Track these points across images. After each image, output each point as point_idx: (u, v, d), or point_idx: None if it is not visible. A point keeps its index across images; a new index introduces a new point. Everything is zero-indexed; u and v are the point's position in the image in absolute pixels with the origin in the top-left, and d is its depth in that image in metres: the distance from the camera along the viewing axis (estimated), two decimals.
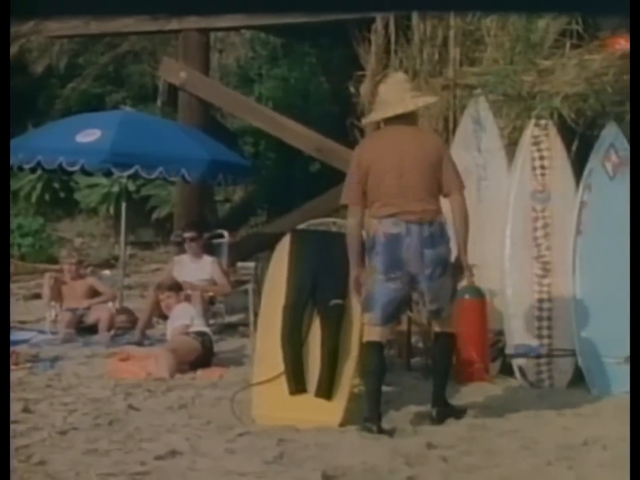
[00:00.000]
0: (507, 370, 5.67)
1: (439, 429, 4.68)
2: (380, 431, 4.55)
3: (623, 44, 5.62)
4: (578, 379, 5.55)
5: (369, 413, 4.64)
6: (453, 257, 4.71)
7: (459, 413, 4.83)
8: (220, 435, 4.55)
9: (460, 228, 4.66)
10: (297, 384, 4.81)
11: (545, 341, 5.62)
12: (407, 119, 4.70)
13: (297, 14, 4.88)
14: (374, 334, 4.70)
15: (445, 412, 4.77)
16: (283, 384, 4.81)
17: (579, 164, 5.67)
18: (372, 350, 4.70)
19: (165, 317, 6.84)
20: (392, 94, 4.73)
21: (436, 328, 4.87)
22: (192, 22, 8.64)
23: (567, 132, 5.68)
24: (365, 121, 5.30)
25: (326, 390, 4.77)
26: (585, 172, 5.61)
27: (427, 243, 4.60)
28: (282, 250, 5.14)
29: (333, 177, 8.13)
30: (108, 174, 8.27)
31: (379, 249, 4.62)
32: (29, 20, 6.64)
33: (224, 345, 6.96)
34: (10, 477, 2.78)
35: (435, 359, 4.99)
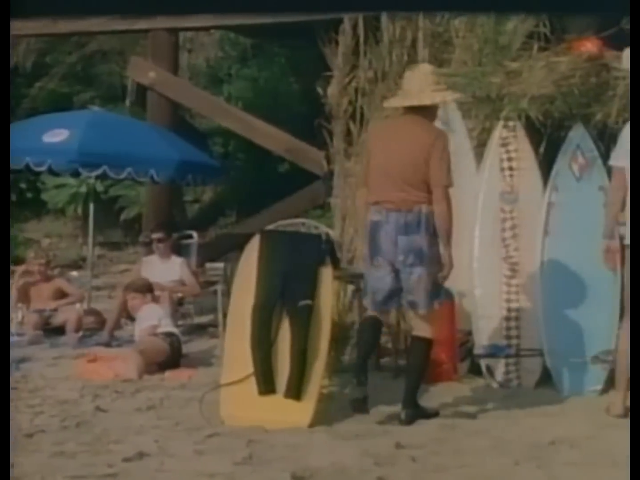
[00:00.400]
0: (475, 370, 5.70)
1: (408, 429, 4.69)
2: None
3: (589, 46, 5.67)
4: (546, 378, 5.58)
5: (356, 390, 4.75)
6: (432, 251, 4.71)
7: (429, 415, 4.85)
8: (189, 437, 4.53)
9: (440, 224, 4.70)
10: (267, 385, 4.80)
11: (514, 341, 5.65)
12: (425, 111, 4.75)
13: (266, 15, 4.88)
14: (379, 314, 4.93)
15: (414, 414, 4.79)
16: (252, 384, 4.81)
17: (546, 165, 5.71)
18: (366, 324, 4.98)
19: (134, 319, 6.81)
20: (414, 84, 4.78)
21: (414, 330, 4.89)
22: (161, 22, 8.61)
23: (534, 134, 5.71)
24: (385, 105, 5.32)
25: (295, 391, 4.77)
26: (553, 174, 5.65)
27: (402, 230, 4.68)
28: (251, 251, 5.13)
29: (302, 177, 8.15)
30: (76, 174, 8.21)
31: (365, 235, 4.82)
32: (29, 20, 6.60)
33: (193, 346, 6.93)
34: (10, 477, 2.76)
35: (409, 361, 5.00)
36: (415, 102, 4.73)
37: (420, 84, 4.77)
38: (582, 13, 3.53)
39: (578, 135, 5.59)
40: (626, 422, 4.77)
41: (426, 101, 4.74)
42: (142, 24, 8.91)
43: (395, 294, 4.81)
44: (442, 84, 4.94)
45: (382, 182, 4.74)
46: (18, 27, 9.26)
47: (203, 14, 6.41)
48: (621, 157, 4.87)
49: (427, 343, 4.84)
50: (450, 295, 5.18)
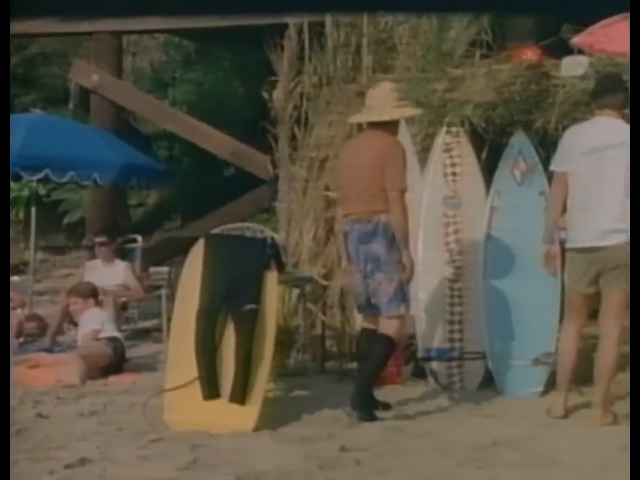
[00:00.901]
0: (419, 373, 5.75)
1: (353, 432, 4.72)
2: (382, 406, 5.01)
3: (530, 55, 5.76)
4: (488, 381, 5.65)
5: (359, 396, 4.94)
6: (391, 257, 4.88)
7: (383, 407, 5.00)
8: (132, 442, 4.50)
9: (396, 228, 4.92)
10: (211, 389, 4.79)
11: (457, 344, 5.72)
12: (387, 125, 5.03)
13: (211, 18, 4.87)
14: (360, 321, 5.24)
15: (365, 408, 4.89)
16: (197, 389, 4.79)
17: (488, 171, 5.79)
18: (360, 337, 5.23)
19: (77, 324, 6.73)
20: (376, 100, 5.07)
21: (379, 328, 5.01)
22: (105, 25, 8.53)
23: (477, 140, 5.78)
24: (350, 121, 5.59)
25: (240, 395, 4.77)
26: (495, 179, 5.73)
27: (362, 239, 4.96)
28: (196, 255, 5.11)
29: (248, 181, 8.14)
30: (17, 177, 8.08)
31: (340, 245, 5.21)
32: (29, 20, 6.49)
33: (137, 351, 6.88)
34: (10, 477, 2.72)
35: (369, 354, 5.08)
36: (375, 118, 5.02)
37: (381, 100, 5.05)
38: (582, 12, 3.59)
39: (519, 141, 5.68)
40: (566, 423, 4.89)
41: (386, 117, 5.00)
42: (85, 27, 8.83)
43: (370, 299, 5.05)
44: (403, 101, 5.19)
45: (348, 195, 5.07)
46: None
47: (147, 17, 6.37)
48: (561, 162, 4.97)
49: (388, 341, 4.98)
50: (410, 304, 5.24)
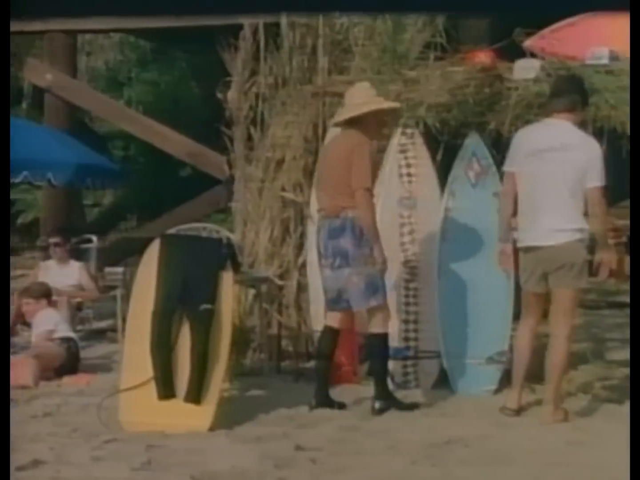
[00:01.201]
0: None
1: (308, 432, 4.74)
2: (337, 405, 5.12)
3: (483, 57, 5.82)
4: (443, 380, 5.70)
5: (318, 398, 5.11)
6: (359, 252, 5.01)
7: (404, 407, 5.12)
8: (87, 443, 4.47)
9: (363, 224, 5.05)
10: (166, 389, 4.79)
11: (412, 343, 5.76)
12: (364, 126, 5.11)
13: (167, 18, 4.87)
14: (327, 318, 5.27)
15: (387, 404, 5.05)
16: (152, 389, 4.78)
17: (443, 172, 5.84)
18: (322, 334, 5.27)
19: (30, 324, 6.67)
20: (354, 98, 5.20)
21: (368, 328, 5.15)
22: (58, 24, 8.45)
23: (432, 141, 5.83)
24: (331, 124, 5.66)
25: (195, 395, 4.77)
26: (450, 180, 5.79)
27: (331, 235, 5.07)
28: (151, 255, 5.10)
29: (204, 182, 8.12)
30: None
31: (314, 240, 5.25)
32: (29, 20, 6.42)
33: (92, 352, 6.84)
34: (10, 477, 2.70)
35: (369, 357, 5.32)
36: (352, 113, 5.11)
37: (359, 97, 5.17)
38: (583, 11, 3.64)
39: (473, 143, 5.74)
40: (518, 421, 4.96)
41: (364, 109, 5.09)
42: (38, 26, 8.73)
43: (341, 294, 5.14)
44: (380, 97, 5.28)
45: (321, 192, 5.24)
46: None
47: (102, 16, 6.32)
48: (510, 162, 5.06)
49: (381, 337, 5.13)
50: (385, 295, 5.28)
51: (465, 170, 5.76)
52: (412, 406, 5.19)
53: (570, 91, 5.05)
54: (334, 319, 5.23)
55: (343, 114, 5.28)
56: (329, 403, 5.17)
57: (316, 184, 5.32)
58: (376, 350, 5.18)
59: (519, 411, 5.05)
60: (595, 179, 4.92)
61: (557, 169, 4.90)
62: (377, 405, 5.09)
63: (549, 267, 4.94)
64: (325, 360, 5.25)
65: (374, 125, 5.19)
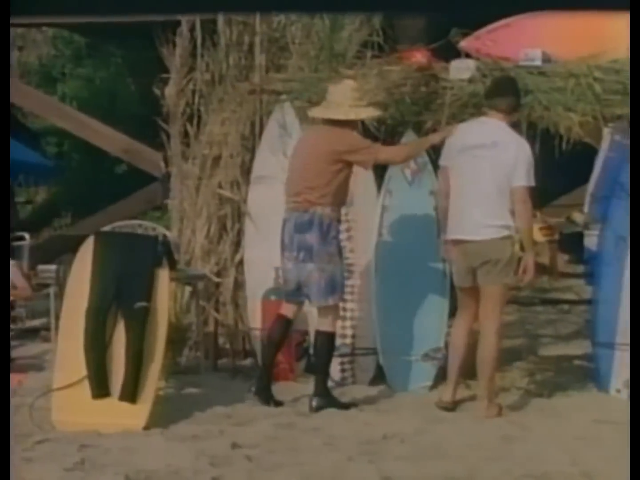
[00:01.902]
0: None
1: (245, 429, 4.73)
2: (274, 402, 5.12)
3: (419, 57, 5.87)
4: (380, 376, 5.74)
5: (258, 384, 5.16)
6: (324, 249, 5.06)
7: (341, 406, 5.13)
8: (18, 444, 4.39)
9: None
10: (101, 388, 4.74)
11: (348, 340, 5.79)
12: (343, 123, 5.12)
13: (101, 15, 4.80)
14: (283, 308, 5.30)
15: (325, 402, 5.07)
16: (86, 388, 4.73)
17: (380, 170, 5.88)
18: (275, 322, 5.28)
19: None
20: (335, 97, 5.20)
21: (317, 325, 5.22)
22: None
23: (369, 139, 5.85)
24: (310, 115, 5.60)
25: (130, 393, 4.73)
26: (386, 178, 5.83)
27: (297, 229, 5.10)
28: (86, 253, 5.04)
29: (139, 178, 8.04)
30: None
31: (280, 231, 5.24)
32: (29, 20, 6.25)
33: (24, 351, 6.72)
34: (10, 477, 2.63)
35: (315, 354, 5.32)
36: (331, 116, 5.16)
37: (340, 98, 5.18)
38: (584, 10, 3.65)
39: (409, 141, 5.79)
40: (453, 416, 5.02)
41: (341, 116, 5.15)
42: None
43: (301, 287, 5.19)
44: (364, 100, 5.31)
45: (290, 185, 5.21)
46: None
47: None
48: (443, 157, 5.19)
49: (329, 336, 5.16)
50: (343, 295, 5.30)
51: (401, 168, 5.80)
52: (349, 405, 5.21)
53: (506, 92, 5.16)
54: (289, 310, 5.27)
55: (320, 112, 5.27)
56: (268, 396, 5.17)
57: (289, 176, 5.29)
58: (322, 348, 5.20)
59: (454, 406, 5.12)
60: (521, 178, 5.01)
61: (486, 165, 5.01)
62: (314, 402, 5.11)
63: (475, 262, 5.03)
64: (274, 347, 5.29)
65: (351, 126, 5.25)
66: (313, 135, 5.38)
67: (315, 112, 5.41)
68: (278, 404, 5.20)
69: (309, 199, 5.10)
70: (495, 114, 5.09)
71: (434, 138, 5.33)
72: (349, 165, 5.20)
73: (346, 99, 5.19)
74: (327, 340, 5.19)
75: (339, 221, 5.23)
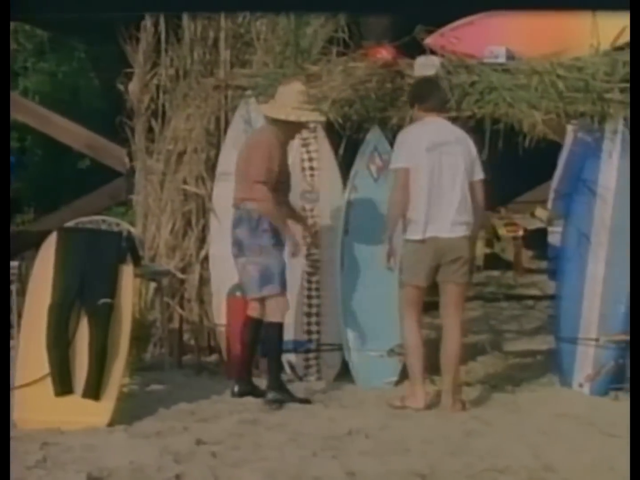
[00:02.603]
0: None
1: (209, 426, 4.72)
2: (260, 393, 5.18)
3: (384, 53, 5.89)
4: (345, 372, 5.75)
5: (241, 385, 5.23)
6: (255, 242, 5.13)
7: (296, 400, 5.13)
8: None
9: (265, 216, 5.18)
10: (63, 385, 4.70)
11: (314, 336, 5.80)
12: (284, 123, 5.20)
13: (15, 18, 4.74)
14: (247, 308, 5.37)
15: (281, 396, 5.08)
16: (48, 385, 4.69)
17: (345, 166, 5.89)
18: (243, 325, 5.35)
19: None
20: (281, 97, 5.30)
21: (265, 317, 5.21)
22: None
23: (334, 135, 5.87)
24: (259, 112, 5.67)
25: (94, 390, 4.70)
26: (352, 174, 5.84)
27: (233, 224, 5.24)
28: (48, 249, 4.99)
29: (103, 174, 7.97)
30: None
31: None
32: (29, 20, 6.15)
33: None
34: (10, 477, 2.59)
35: (264, 347, 5.32)
36: (274, 115, 5.23)
37: (285, 98, 5.26)
38: (584, 10, 3.65)
39: (375, 137, 5.80)
40: (418, 412, 5.04)
41: (281, 116, 5.21)
42: None
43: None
44: (309, 104, 5.38)
45: (235, 183, 5.31)
46: None
47: None
48: (402, 159, 5.13)
49: (276, 326, 5.17)
50: (283, 286, 5.27)
51: (367, 164, 5.82)
52: (305, 401, 5.20)
53: (439, 92, 5.26)
54: (254, 309, 5.29)
55: (273, 111, 5.31)
56: (253, 391, 5.23)
57: (235, 175, 5.40)
58: (270, 339, 5.21)
59: (427, 405, 5.10)
60: (480, 172, 5.14)
61: (453, 162, 5.06)
62: (270, 396, 5.11)
63: (444, 260, 5.04)
64: (249, 350, 5.34)
65: (294, 128, 5.31)
66: (253, 133, 5.52)
67: (261, 109, 5.52)
68: (298, 400, 5.20)
69: (240, 195, 5.22)
70: (434, 115, 5.15)
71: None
72: (282, 164, 5.23)
73: (291, 100, 5.24)
74: (275, 330, 5.18)
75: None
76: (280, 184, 5.24)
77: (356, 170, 5.83)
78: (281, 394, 5.13)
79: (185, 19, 6.13)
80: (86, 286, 4.85)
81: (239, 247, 5.20)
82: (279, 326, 5.19)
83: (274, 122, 5.27)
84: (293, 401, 5.13)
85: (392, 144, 5.72)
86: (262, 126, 5.46)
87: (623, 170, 5.46)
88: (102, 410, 4.68)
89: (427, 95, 5.22)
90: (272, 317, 5.17)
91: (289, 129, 5.28)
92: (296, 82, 5.49)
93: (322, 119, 5.56)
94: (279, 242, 5.20)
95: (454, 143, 5.09)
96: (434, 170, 5.06)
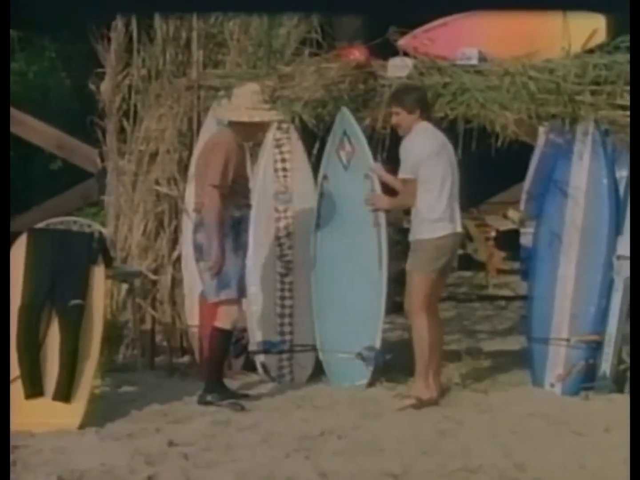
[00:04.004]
0: (250, 366, 5.79)
1: (181, 427, 4.70)
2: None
3: (357, 54, 5.90)
4: (318, 373, 5.75)
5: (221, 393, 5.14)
6: (211, 246, 5.11)
7: (238, 396, 5.18)
8: None
9: (205, 220, 5.14)
10: (34, 388, 4.67)
11: (287, 337, 5.78)
12: (241, 126, 5.20)
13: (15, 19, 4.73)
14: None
15: (219, 396, 5.07)
16: (18, 388, 4.65)
17: (318, 167, 5.88)
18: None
19: None
20: (237, 99, 5.28)
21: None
22: None
23: (307, 136, 5.87)
24: (214, 116, 5.71)
25: (65, 392, 4.68)
26: (323, 162, 5.74)
27: (194, 230, 5.24)
28: (19, 250, 4.95)
29: (74, 174, 7.92)
30: None
31: None
32: (29, 20, 6.07)
33: None
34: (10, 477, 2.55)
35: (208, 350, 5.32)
36: (229, 117, 5.25)
37: (241, 100, 5.24)
38: (582, 10, 3.66)
39: (344, 121, 5.64)
40: (391, 411, 5.05)
41: (234, 117, 5.21)
42: None
43: None
44: (265, 104, 5.37)
45: (195, 187, 5.34)
46: None
47: None
48: (409, 170, 5.16)
49: (222, 333, 5.16)
50: (241, 291, 5.26)
51: (337, 150, 5.73)
52: (244, 396, 5.27)
53: (405, 94, 5.29)
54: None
55: (227, 114, 5.33)
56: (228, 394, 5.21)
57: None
58: (214, 345, 5.18)
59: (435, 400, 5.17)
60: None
61: (455, 162, 5.25)
62: (208, 398, 5.08)
63: (452, 255, 5.30)
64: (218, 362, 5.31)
65: (252, 129, 5.30)
66: (210, 136, 5.48)
67: (217, 113, 5.55)
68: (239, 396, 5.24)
69: (200, 200, 5.21)
70: (427, 121, 5.21)
71: None
72: (239, 167, 5.21)
73: (245, 101, 5.24)
74: (220, 337, 5.17)
75: (235, 218, 5.18)
76: (238, 186, 5.20)
77: (326, 157, 5.73)
78: (219, 396, 5.09)
79: (157, 19, 6.11)
80: (57, 287, 4.83)
81: (199, 251, 5.19)
82: (227, 334, 5.19)
83: (231, 124, 5.26)
84: (234, 398, 5.12)
85: (362, 129, 5.63)
86: (220, 128, 5.44)
87: (594, 172, 5.51)
88: (73, 412, 4.65)
89: (425, 102, 5.31)
90: (221, 323, 5.16)
91: (246, 130, 5.26)
92: (251, 84, 5.49)
93: (278, 117, 5.51)
94: (238, 247, 5.18)
95: (448, 145, 5.26)
96: (445, 173, 5.18)
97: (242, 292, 5.20)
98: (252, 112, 5.20)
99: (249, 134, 5.34)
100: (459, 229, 5.28)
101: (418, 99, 5.28)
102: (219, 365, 5.24)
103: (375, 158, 5.65)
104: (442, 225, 5.16)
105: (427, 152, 5.16)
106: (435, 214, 5.15)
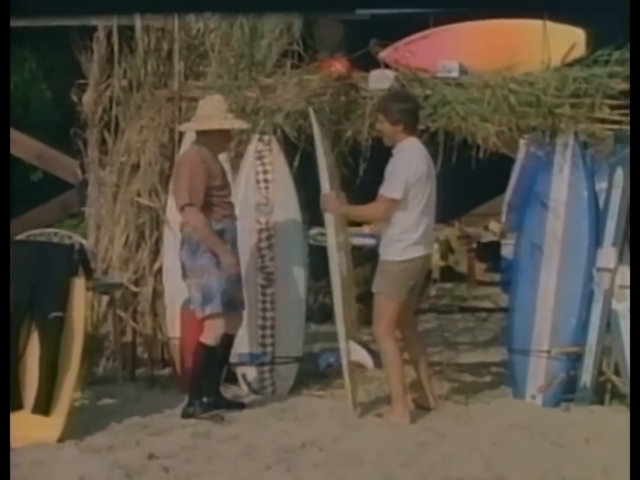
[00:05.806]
0: (231, 378, 5.77)
1: (161, 439, 4.68)
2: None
3: (339, 67, 5.91)
4: (300, 385, 5.75)
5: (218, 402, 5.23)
6: (195, 264, 5.16)
7: (230, 405, 5.25)
8: None
9: (197, 239, 5.17)
10: (13, 401, 4.61)
11: (269, 349, 5.78)
12: (209, 139, 5.23)
13: (15, 17, 4.71)
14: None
15: (205, 407, 5.09)
16: None
17: (300, 179, 5.90)
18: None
19: None
20: (204, 111, 5.28)
21: None
22: None
23: (289, 148, 5.88)
24: (180, 129, 5.74)
25: (44, 405, 4.64)
26: None
27: (179, 247, 5.28)
28: None
29: (55, 186, 7.89)
30: None
31: None
32: (29, 20, 6.06)
33: None
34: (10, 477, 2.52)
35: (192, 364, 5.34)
36: (197, 127, 5.27)
37: (209, 111, 5.26)
38: (584, 12, 3.66)
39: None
40: (370, 423, 5.05)
41: (206, 126, 5.21)
42: None
43: None
44: (231, 113, 5.38)
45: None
46: None
47: None
48: (400, 190, 5.01)
49: (203, 347, 5.17)
50: (226, 305, 5.27)
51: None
52: (237, 404, 5.32)
53: (391, 105, 5.15)
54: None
55: (191, 125, 5.38)
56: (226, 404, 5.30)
57: None
58: (197, 358, 5.19)
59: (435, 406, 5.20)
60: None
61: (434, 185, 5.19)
62: (189, 410, 5.09)
63: (419, 277, 5.17)
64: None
65: (220, 139, 5.30)
66: (179, 155, 5.57)
67: (183, 127, 5.56)
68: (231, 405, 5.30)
69: (184, 220, 5.21)
70: (413, 137, 5.14)
71: None
72: (212, 179, 5.20)
73: (210, 111, 5.25)
74: (203, 352, 5.17)
75: (216, 231, 5.16)
76: (215, 198, 5.20)
77: None
78: (201, 409, 5.10)
79: (139, 30, 6.11)
80: (37, 299, 4.81)
81: (183, 269, 5.23)
82: (210, 349, 5.17)
83: (199, 138, 5.29)
84: (218, 409, 5.13)
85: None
86: (189, 146, 5.48)
87: (574, 184, 5.55)
88: (53, 425, 4.62)
89: (410, 116, 5.13)
90: (204, 338, 5.16)
91: (215, 141, 5.26)
92: (215, 95, 5.50)
93: (245, 126, 5.50)
94: (219, 262, 5.17)
95: (432, 166, 5.17)
96: (429, 196, 5.09)
97: (226, 306, 5.18)
98: (216, 121, 5.22)
99: (218, 145, 5.31)
100: (431, 250, 5.26)
101: (403, 111, 5.08)
102: (201, 380, 5.21)
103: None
104: (414, 248, 5.05)
105: (417, 176, 5.03)
106: (410, 237, 5.04)
